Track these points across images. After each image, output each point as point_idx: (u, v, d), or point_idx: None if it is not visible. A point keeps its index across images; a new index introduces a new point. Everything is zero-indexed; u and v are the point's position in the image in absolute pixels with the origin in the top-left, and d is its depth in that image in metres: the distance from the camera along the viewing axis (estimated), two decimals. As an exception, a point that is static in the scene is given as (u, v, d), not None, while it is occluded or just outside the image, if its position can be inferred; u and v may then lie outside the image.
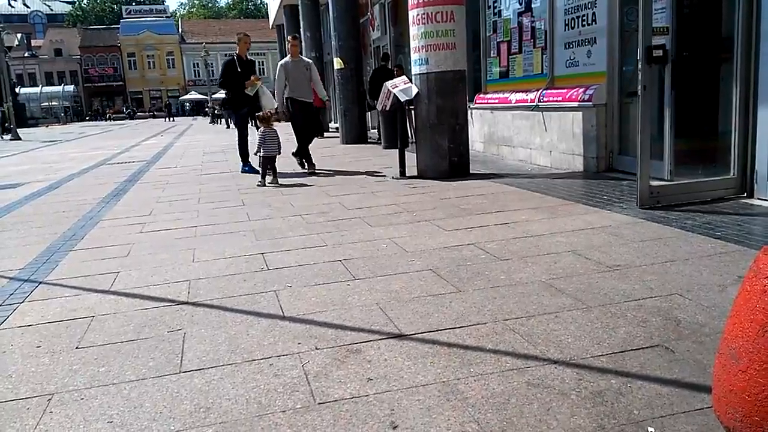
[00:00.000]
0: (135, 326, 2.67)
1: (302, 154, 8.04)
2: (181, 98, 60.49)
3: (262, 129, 7.04)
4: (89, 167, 10.75)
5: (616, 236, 3.70)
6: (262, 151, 6.97)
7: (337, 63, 12.14)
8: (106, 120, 52.40)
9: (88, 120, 54.89)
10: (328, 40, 14.82)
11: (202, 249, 4.03)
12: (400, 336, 2.38)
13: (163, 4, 75.11)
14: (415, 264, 3.38)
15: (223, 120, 29.38)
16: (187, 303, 2.95)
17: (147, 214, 5.49)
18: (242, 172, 8.17)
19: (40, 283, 3.45)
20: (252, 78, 7.88)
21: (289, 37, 8.56)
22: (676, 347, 2.14)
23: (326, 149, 11.37)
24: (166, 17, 68.02)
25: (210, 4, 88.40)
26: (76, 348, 2.47)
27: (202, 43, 52.29)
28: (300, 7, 17.14)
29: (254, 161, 7.81)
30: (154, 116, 53.48)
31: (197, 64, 59.12)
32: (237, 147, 8.34)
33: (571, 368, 2.03)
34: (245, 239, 4.26)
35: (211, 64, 52.98)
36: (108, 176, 9.00)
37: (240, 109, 8.08)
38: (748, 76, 4.41)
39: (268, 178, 7.02)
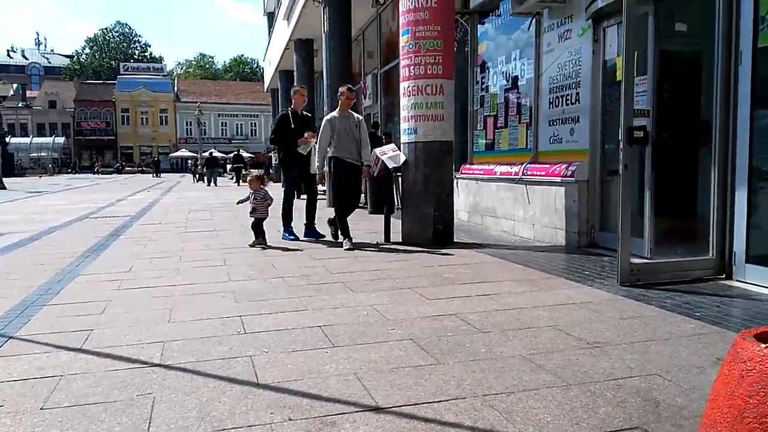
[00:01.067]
0: (104, 388, 2.58)
1: (340, 225, 6.82)
2: (171, 155, 60.96)
3: (253, 190, 6.98)
4: (73, 220, 10.66)
5: (596, 312, 3.70)
6: (256, 213, 6.90)
7: (328, 128, 12.37)
8: (94, 173, 52.45)
9: (72, 172, 54.84)
10: (321, 105, 15.19)
11: (179, 309, 3.96)
12: (376, 409, 2.33)
13: (161, 62, 76.98)
14: (395, 333, 3.34)
15: (205, 178, 29.56)
16: (159, 365, 2.87)
17: (126, 271, 5.42)
18: (283, 239, 7.28)
19: (10, 338, 3.35)
20: (306, 135, 7.21)
21: (342, 88, 6.99)
22: (656, 430, 2.11)
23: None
24: (163, 76, 69.53)
25: (207, 66, 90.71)
26: (41, 409, 2.37)
27: (197, 102, 53.24)
28: (295, 73, 17.65)
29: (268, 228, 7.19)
30: (142, 171, 53.65)
31: (190, 122, 60.02)
32: (278, 212, 7.35)
33: (550, 449, 1.98)
34: (224, 300, 4.21)
35: (204, 123, 53.78)
36: (91, 230, 8.92)
37: (291, 169, 7.35)
38: (725, 159, 4.55)
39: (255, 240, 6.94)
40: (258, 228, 6.90)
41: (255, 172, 7.35)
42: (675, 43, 5.75)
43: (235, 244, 7.00)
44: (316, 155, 6.94)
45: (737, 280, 4.44)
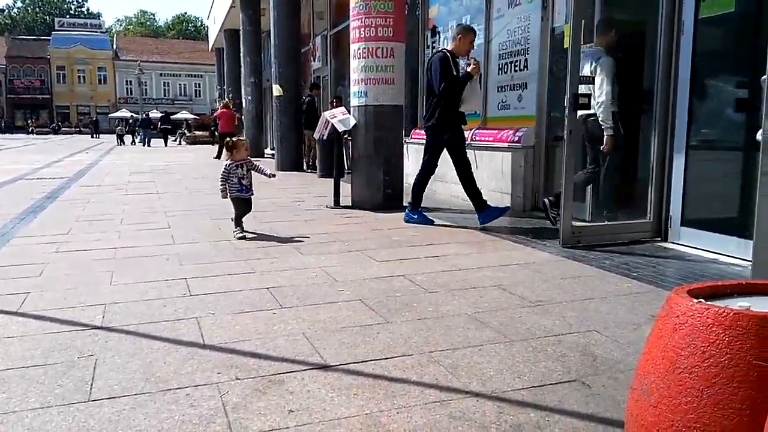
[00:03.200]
0: (43, 350, 2.50)
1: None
2: (110, 115, 58.47)
3: (240, 160, 5.17)
4: (5, 182, 10.14)
5: (539, 273, 3.81)
6: (249, 191, 5.27)
7: (276, 90, 12.12)
8: (28, 133, 49.75)
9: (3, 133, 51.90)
10: (268, 66, 14.82)
11: (121, 272, 3.85)
12: (324, 367, 2.34)
13: (99, 18, 73.06)
14: (344, 294, 3.35)
15: (136, 139, 29.35)
16: (101, 328, 2.79)
17: (64, 233, 5.21)
18: (408, 221, 5.80)
19: (-62, 302, 3.19)
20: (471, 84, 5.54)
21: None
22: (593, 383, 2.21)
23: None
24: (101, 32, 66.05)
25: (148, 23, 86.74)
26: (-27, 373, 2.28)
27: (137, 60, 51.01)
28: (241, 33, 17.10)
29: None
30: (80, 132, 51.25)
31: (130, 81, 57.58)
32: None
33: (493, 401, 2.05)
34: (168, 263, 4.11)
35: (145, 82, 51.68)
36: (25, 192, 8.51)
37: (444, 132, 5.61)
38: (665, 127, 4.71)
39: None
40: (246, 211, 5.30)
41: (242, 138, 5.90)
42: (621, 11, 5.85)
43: (179, 207, 6.82)
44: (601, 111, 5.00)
45: (673, 242, 4.65)
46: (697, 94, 4.57)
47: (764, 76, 3.04)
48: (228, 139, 5.52)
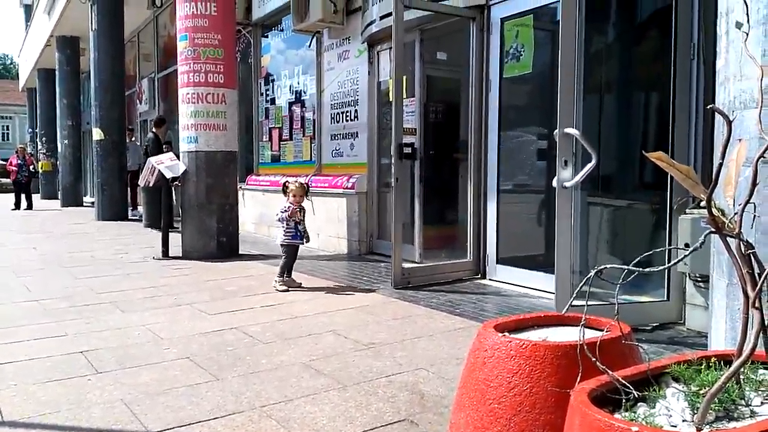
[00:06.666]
0: None
1: None
2: None
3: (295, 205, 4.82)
4: None
5: (372, 315, 3.92)
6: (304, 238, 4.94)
7: (97, 134, 11.30)
8: None
9: None
10: (88, 108, 13.81)
11: None
12: (145, 434, 2.17)
13: None
14: (170, 352, 3.15)
15: None
16: None
17: None
18: None
19: None
20: None
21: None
22: (420, 420, 2.30)
23: (77, 225, 10.30)
24: None
25: (-56, 58, 76.43)
26: None
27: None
28: (57, 72, 15.81)
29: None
30: None
31: None
32: None
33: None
34: (-40, 331, 3.57)
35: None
36: None
37: None
38: (479, 173, 5.17)
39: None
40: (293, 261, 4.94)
41: (299, 179, 5.36)
42: (439, 69, 6.39)
43: (-24, 265, 5.99)
44: None
45: (490, 279, 5.06)
46: (505, 144, 5.10)
47: (556, 130, 3.49)
48: (286, 180, 5.08)
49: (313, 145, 7.69)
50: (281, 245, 4.88)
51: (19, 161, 14.89)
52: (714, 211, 1.18)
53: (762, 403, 1.22)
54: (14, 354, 3.10)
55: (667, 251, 3.38)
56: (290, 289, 4.77)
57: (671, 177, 3.50)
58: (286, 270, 4.85)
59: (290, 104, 8.26)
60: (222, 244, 6.54)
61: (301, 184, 5.02)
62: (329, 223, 7.08)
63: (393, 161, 4.74)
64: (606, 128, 4.59)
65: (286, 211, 4.77)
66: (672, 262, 1.45)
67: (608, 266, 1.39)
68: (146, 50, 14.15)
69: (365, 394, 2.56)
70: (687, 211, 3.46)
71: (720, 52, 2.19)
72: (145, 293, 4.67)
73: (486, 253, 5.12)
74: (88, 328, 3.64)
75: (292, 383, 2.68)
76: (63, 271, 5.75)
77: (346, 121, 6.97)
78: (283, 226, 4.82)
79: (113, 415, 2.33)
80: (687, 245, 3.32)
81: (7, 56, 74.13)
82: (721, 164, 1.18)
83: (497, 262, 5.03)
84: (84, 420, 2.29)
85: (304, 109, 7.94)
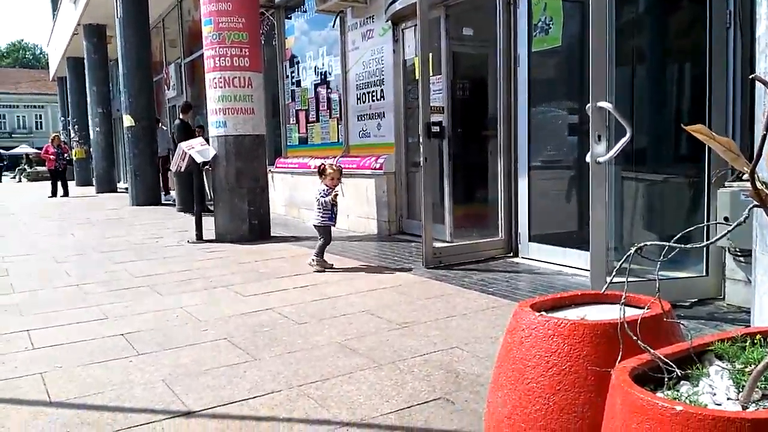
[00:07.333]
0: None
1: None
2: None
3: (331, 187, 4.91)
4: None
5: (405, 294, 3.93)
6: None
7: (127, 120, 11.47)
8: None
9: None
10: (118, 95, 14.01)
11: (-54, 330, 3.40)
12: (187, 413, 2.22)
13: None
14: (208, 334, 3.22)
15: None
16: None
17: None
18: None
19: None
20: None
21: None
22: (456, 398, 2.31)
23: (112, 211, 10.52)
24: None
25: (-22, 51, 78.23)
26: None
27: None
28: (86, 61, 16.04)
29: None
30: None
31: (-42, 113, 51.36)
32: None
33: (362, 429, 2.07)
34: (6, 315, 3.70)
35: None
36: None
37: None
38: (509, 151, 5.10)
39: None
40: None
41: (326, 161, 5.49)
42: (465, 45, 6.29)
43: (17, 250, 6.18)
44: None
45: (523, 257, 5.01)
46: (535, 120, 5.02)
47: (589, 104, 3.41)
48: (322, 163, 5.12)
49: (340, 126, 7.68)
50: (318, 227, 4.93)
51: (55, 149, 15.20)
52: (758, 184, 1.14)
53: (812, 381, 1.19)
54: (57, 338, 3.20)
55: (705, 226, 3.30)
56: (325, 269, 4.81)
57: (708, 149, 3.41)
58: (322, 250, 4.90)
59: (316, 86, 8.24)
60: (254, 226, 6.61)
61: (338, 167, 5.08)
62: (358, 204, 7.10)
63: (421, 140, 4.71)
64: (639, 101, 4.48)
65: (327, 194, 4.81)
66: (715, 238, 1.41)
67: (649, 243, 1.37)
68: (171, 36, 14.25)
69: (400, 372, 2.57)
70: (726, 184, 3.36)
71: (760, 19, 2.10)
72: (181, 276, 4.76)
73: (518, 231, 5.07)
74: (127, 311, 3.74)
75: (328, 362, 2.72)
76: (100, 256, 5.89)
77: (372, 101, 6.93)
78: (320, 208, 4.87)
79: (155, 396, 2.40)
80: (726, 219, 3.23)
81: (37, 46, 75.52)
82: (765, 136, 1.13)
83: (529, 240, 4.98)
84: (127, 400, 2.36)
85: (329, 90, 7.92)
